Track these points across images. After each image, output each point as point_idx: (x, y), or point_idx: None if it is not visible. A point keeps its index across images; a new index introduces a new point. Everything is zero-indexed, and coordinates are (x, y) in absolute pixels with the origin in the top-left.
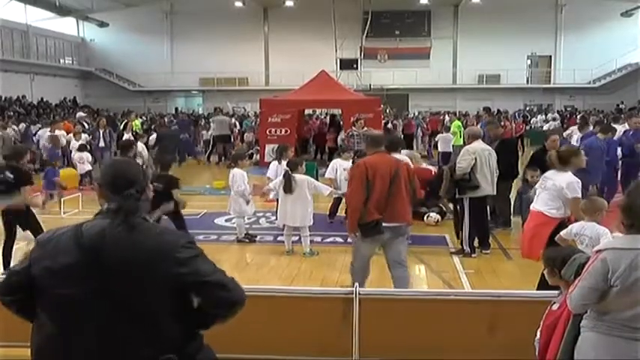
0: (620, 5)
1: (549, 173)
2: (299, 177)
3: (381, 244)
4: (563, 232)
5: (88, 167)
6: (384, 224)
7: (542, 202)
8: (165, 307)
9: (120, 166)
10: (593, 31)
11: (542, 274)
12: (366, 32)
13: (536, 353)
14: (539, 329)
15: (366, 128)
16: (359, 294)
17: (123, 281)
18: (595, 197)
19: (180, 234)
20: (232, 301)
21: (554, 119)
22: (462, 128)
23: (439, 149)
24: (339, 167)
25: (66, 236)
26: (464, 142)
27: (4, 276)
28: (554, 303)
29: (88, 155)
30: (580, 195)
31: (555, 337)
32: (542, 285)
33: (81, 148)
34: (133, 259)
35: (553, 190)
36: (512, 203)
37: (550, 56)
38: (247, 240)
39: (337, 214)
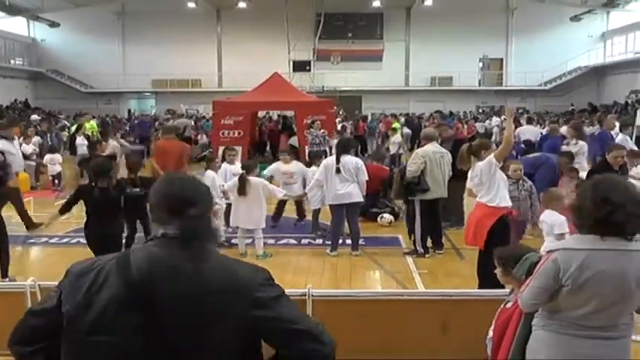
0: (569, 10)
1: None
2: (253, 179)
3: None
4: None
5: (59, 169)
6: None
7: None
8: None
9: (178, 181)
10: (543, 34)
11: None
12: (319, 34)
13: (488, 351)
14: (491, 327)
15: (323, 130)
16: (312, 295)
17: (181, 327)
18: (552, 188)
19: (255, 267)
20: (324, 355)
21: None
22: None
23: (390, 151)
24: (278, 171)
25: (109, 267)
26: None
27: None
28: (508, 302)
29: (59, 156)
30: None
31: (507, 336)
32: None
33: (52, 150)
34: (197, 298)
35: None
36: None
37: (501, 59)
38: (227, 244)
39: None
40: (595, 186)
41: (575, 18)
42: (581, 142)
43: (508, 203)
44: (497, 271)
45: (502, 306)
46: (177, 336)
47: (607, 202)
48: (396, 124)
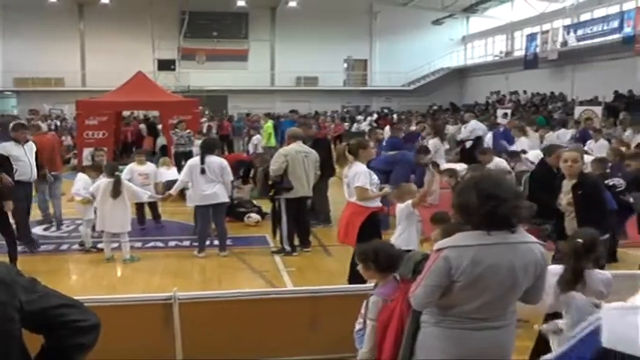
0: (431, 14)
1: (345, 169)
2: (122, 182)
3: None
4: None
5: None
6: None
7: (351, 194)
8: None
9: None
10: (406, 37)
11: (351, 268)
12: (183, 33)
13: (357, 345)
14: (358, 320)
15: (189, 131)
16: (178, 299)
17: None
18: (403, 184)
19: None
20: (92, 325)
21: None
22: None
23: (257, 150)
24: (134, 172)
25: None
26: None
27: None
28: (373, 295)
29: None
30: (364, 184)
31: (390, 333)
32: (354, 278)
33: None
34: None
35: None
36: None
37: (366, 60)
38: (95, 250)
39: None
40: (477, 183)
41: (437, 22)
42: (436, 140)
43: (377, 203)
44: (359, 267)
45: (384, 303)
46: None
47: (491, 197)
48: (268, 126)
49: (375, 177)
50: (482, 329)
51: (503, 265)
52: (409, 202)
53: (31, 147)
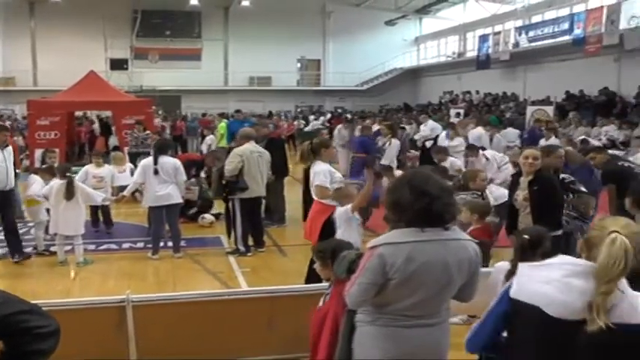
0: (384, 15)
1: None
2: (75, 183)
3: None
4: None
5: None
6: None
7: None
8: None
9: None
10: (359, 37)
11: (310, 267)
12: (136, 32)
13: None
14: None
15: (148, 132)
16: (131, 301)
17: None
18: (341, 186)
19: None
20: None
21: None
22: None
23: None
24: (89, 174)
25: None
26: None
27: None
28: (327, 294)
29: None
30: (322, 183)
31: (325, 333)
32: (311, 278)
33: None
34: None
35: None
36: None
37: (319, 60)
38: (48, 253)
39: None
40: (410, 180)
41: (390, 22)
42: (394, 140)
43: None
44: (316, 265)
45: (321, 302)
46: None
47: (425, 194)
48: (222, 126)
49: (337, 175)
50: (417, 326)
51: (437, 262)
52: (348, 206)
53: (10, 151)
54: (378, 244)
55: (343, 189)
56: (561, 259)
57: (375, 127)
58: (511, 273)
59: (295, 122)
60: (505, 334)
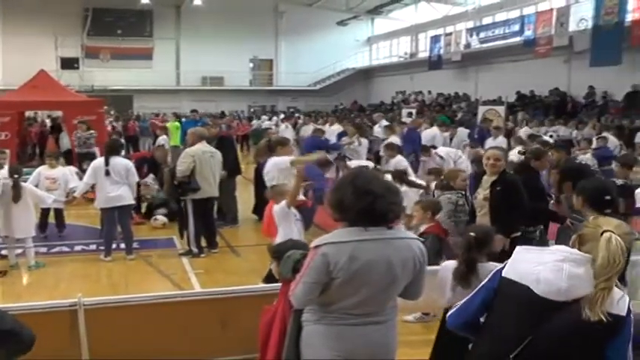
0: (336, 15)
1: None
2: (21, 185)
3: None
4: None
5: None
6: None
7: None
8: None
9: None
10: (312, 37)
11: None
12: (87, 30)
13: None
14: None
15: (92, 131)
16: (83, 305)
17: None
18: (275, 184)
19: None
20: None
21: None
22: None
23: None
24: (42, 176)
25: None
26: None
27: None
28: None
29: None
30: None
31: (274, 334)
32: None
33: None
34: None
35: None
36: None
37: (271, 60)
38: None
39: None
40: (354, 179)
41: (342, 23)
42: (363, 140)
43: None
44: (271, 265)
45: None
46: None
47: (368, 193)
48: (174, 125)
49: (293, 172)
50: (363, 324)
51: (380, 260)
52: (283, 203)
53: None
54: (321, 243)
55: (277, 187)
56: (558, 247)
57: (329, 128)
58: (458, 271)
59: (254, 122)
60: (483, 318)
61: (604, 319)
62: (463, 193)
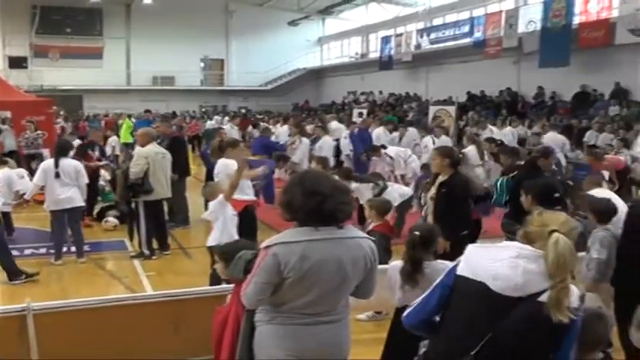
0: (287, 15)
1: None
2: None
3: None
4: None
5: None
6: None
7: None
8: None
9: None
10: (263, 37)
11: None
12: (35, 28)
13: None
14: None
15: (39, 132)
16: (32, 310)
17: None
18: (211, 182)
19: None
20: None
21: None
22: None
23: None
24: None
25: None
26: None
27: None
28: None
29: None
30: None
31: (227, 335)
32: (214, 280)
33: None
34: None
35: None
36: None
37: (222, 59)
38: None
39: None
40: (302, 180)
41: (293, 23)
42: (304, 139)
43: (251, 197)
44: (217, 266)
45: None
46: None
47: (316, 193)
48: (127, 124)
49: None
50: (315, 324)
51: (331, 260)
52: (220, 195)
53: None
54: (272, 243)
55: (213, 185)
56: (510, 243)
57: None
58: (404, 270)
59: (208, 123)
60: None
61: (572, 316)
62: None
